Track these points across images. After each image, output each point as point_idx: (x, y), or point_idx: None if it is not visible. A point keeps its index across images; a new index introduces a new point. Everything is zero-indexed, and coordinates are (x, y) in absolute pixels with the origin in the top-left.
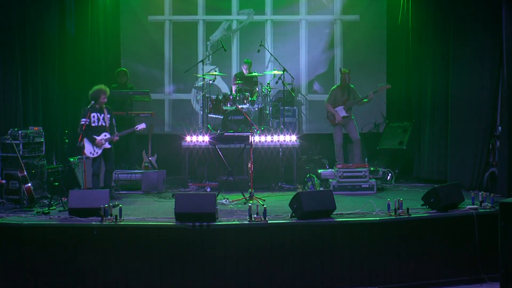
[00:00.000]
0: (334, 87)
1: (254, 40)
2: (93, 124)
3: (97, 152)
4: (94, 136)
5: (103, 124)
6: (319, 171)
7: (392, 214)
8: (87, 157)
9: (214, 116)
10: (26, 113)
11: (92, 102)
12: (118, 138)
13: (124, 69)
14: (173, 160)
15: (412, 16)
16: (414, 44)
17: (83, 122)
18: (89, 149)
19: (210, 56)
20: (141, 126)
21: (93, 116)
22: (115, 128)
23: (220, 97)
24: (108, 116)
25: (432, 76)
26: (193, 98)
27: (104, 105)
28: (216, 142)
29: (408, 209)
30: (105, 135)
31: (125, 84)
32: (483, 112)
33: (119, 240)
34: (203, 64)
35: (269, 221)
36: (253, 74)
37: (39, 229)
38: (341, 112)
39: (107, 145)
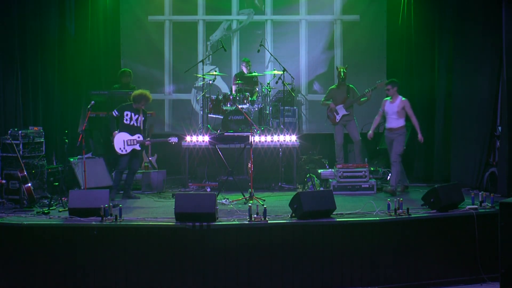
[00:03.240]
0: (332, 86)
1: (254, 40)
2: (125, 122)
3: (126, 150)
4: (119, 132)
5: (136, 124)
6: (319, 171)
7: (392, 214)
8: (87, 157)
9: (214, 116)
10: (26, 113)
11: (92, 102)
12: (149, 143)
13: (128, 70)
14: (173, 160)
15: (413, 16)
16: (414, 44)
17: (114, 114)
18: (118, 145)
19: (210, 56)
20: (174, 139)
21: (127, 114)
22: (146, 133)
23: (220, 97)
24: (143, 118)
25: (432, 76)
26: (193, 98)
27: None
28: (216, 142)
29: (408, 209)
30: (139, 137)
31: (127, 84)
32: (483, 112)
33: (119, 240)
34: (203, 64)
35: (269, 221)
36: (253, 74)
37: (39, 229)
38: (341, 110)
39: (137, 147)
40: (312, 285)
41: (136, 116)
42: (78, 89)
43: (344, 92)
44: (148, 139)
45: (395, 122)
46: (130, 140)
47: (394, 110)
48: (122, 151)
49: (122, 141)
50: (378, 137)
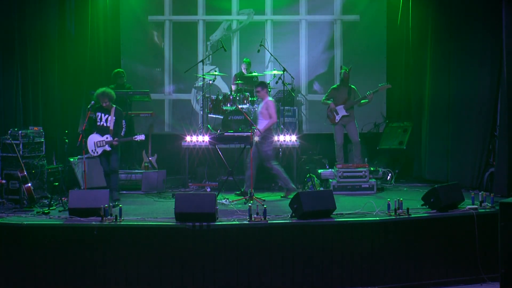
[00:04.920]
0: (334, 86)
1: (254, 40)
2: (97, 123)
3: (97, 152)
4: (94, 133)
5: (105, 124)
6: (319, 171)
7: (392, 214)
8: (88, 157)
9: (214, 116)
10: (26, 113)
11: (92, 102)
12: (117, 143)
13: (120, 70)
14: (173, 160)
15: (412, 16)
16: (414, 44)
17: (92, 115)
18: (90, 147)
19: (210, 56)
20: (140, 137)
21: (97, 115)
22: (122, 131)
23: (220, 97)
24: (114, 118)
25: (432, 76)
26: (193, 98)
27: (114, 107)
28: (216, 142)
29: (408, 209)
30: (107, 137)
31: (122, 85)
32: (483, 112)
33: (119, 240)
34: (203, 64)
35: (269, 221)
36: (253, 74)
37: (39, 229)
38: (341, 111)
39: (106, 147)
40: (312, 285)
41: (106, 116)
42: (78, 89)
43: (345, 92)
44: (116, 138)
45: (260, 123)
46: (100, 141)
47: (259, 110)
48: (94, 153)
49: (93, 143)
50: (378, 137)
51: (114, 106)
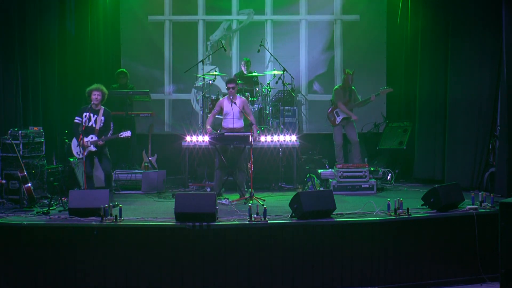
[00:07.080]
0: (336, 87)
1: (254, 40)
2: (85, 124)
3: (82, 153)
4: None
5: (93, 125)
6: (319, 171)
7: (392, 214)
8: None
9: None
10: (26, 113)
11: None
12: (102, 142)
13: (124, 70)
14: (173, 160)
15: (412, 16)
16: (413, 44)
17: (76, 121)
18: (75, 150)
19: (210, 56)
20: (126, 133)
21: (85, 116)
22: (109, 133)
23: (220, 97)
24: (102, 118)
25: (432, 76)
26: (193, 98)
27: (103, 108)
28: (216, 142)
29: (408, 209)
30: (92, 138)
31: (125, 84)
32: (483, 112)
33: (119, 240)
34: (203, 64)
35: (269, 221)
36: (253, 74)
37: (39, 229)
38: (342, 113)
39: (92, 148)
40: (312, 285)
41: (95, 117)
42: (78, 89)
43: (346, 95)
44: (102, 137)
45: (239, 122)
46: (86, 142)
47: (239, 109)
48: (79, 155)
49: (76, 145)
50: (378, 137)
51: (103, 107)
